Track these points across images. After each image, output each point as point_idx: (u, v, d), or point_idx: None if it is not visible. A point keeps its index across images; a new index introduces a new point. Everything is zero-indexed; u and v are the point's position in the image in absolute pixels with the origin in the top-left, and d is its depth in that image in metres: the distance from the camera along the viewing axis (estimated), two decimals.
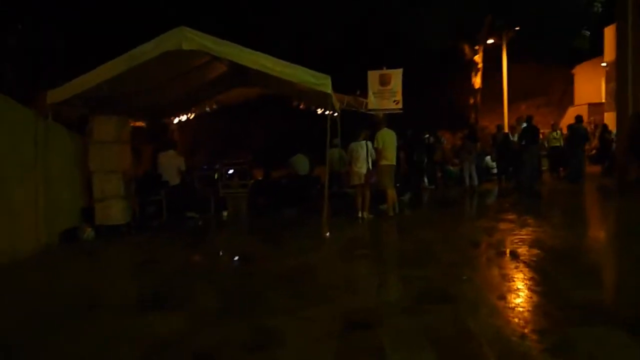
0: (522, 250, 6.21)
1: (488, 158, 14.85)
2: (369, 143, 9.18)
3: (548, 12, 16.63)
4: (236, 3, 21.07)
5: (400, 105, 14.41)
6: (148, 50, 7.29)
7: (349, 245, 7.19)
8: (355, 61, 20.76)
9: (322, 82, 7.10)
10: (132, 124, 15.97)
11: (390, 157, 9.33)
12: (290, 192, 10.86)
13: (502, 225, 8.02)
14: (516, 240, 6.77)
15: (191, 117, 19.79)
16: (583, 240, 7.05)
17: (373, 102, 14.13)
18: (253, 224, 9.80)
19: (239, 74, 10.33)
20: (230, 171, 10.24)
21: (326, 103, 7.80)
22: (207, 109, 19.54)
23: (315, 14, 20.20)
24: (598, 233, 7.75)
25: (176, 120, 19.83)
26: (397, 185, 11.75)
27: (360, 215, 9.23)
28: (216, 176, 10.66)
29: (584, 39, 18.31)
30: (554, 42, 20.10)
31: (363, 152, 9.06)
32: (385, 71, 14.80)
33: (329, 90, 7.12)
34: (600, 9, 17.65)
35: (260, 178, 12.46)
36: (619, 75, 12.43)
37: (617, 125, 12.76)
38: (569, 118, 23.26)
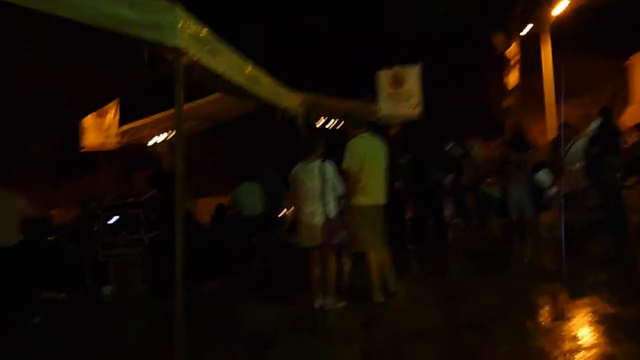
0: None
1: (541, 173, 10.09)
2: (329, 166, 4.76)
3: None
4: None
5: (418, 110, 11.64)
6: None
7: None
8: (361, 60, 16.89)
9: (153, 19, 2.61)
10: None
11: (374, 191, 4.77)
12: (220, 251, 6.56)
13: (620, 347, 3.48)
14: None
15: (168, 138, 15.99)
16: None
17: (384, 107, 11.68)
18: (129, 320, 5.49)
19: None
20: (113, 220, 6.00)
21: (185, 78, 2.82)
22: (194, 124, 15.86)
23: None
24: None
25: (152, 142, 15.94)
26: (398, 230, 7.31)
27: (317, 303, 4.84)
28: (95, 229, 6.41)
29: None
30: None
31: (315, 184, 4.66)
32: (397, 69, 11.99)
33: (176, 39, 2.57)
34: None
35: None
36: None
37: None
38: (628, 119, 18.59)
